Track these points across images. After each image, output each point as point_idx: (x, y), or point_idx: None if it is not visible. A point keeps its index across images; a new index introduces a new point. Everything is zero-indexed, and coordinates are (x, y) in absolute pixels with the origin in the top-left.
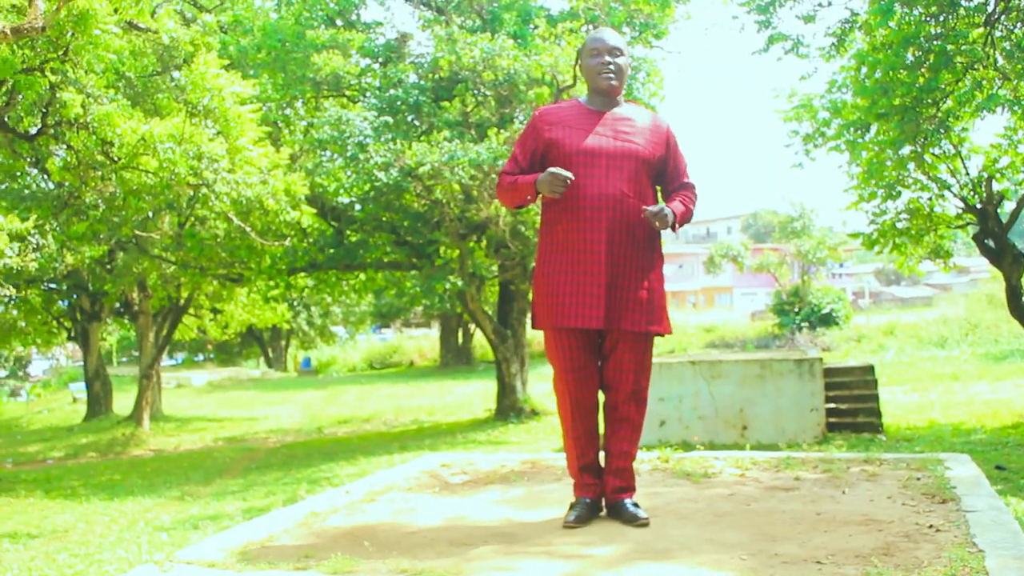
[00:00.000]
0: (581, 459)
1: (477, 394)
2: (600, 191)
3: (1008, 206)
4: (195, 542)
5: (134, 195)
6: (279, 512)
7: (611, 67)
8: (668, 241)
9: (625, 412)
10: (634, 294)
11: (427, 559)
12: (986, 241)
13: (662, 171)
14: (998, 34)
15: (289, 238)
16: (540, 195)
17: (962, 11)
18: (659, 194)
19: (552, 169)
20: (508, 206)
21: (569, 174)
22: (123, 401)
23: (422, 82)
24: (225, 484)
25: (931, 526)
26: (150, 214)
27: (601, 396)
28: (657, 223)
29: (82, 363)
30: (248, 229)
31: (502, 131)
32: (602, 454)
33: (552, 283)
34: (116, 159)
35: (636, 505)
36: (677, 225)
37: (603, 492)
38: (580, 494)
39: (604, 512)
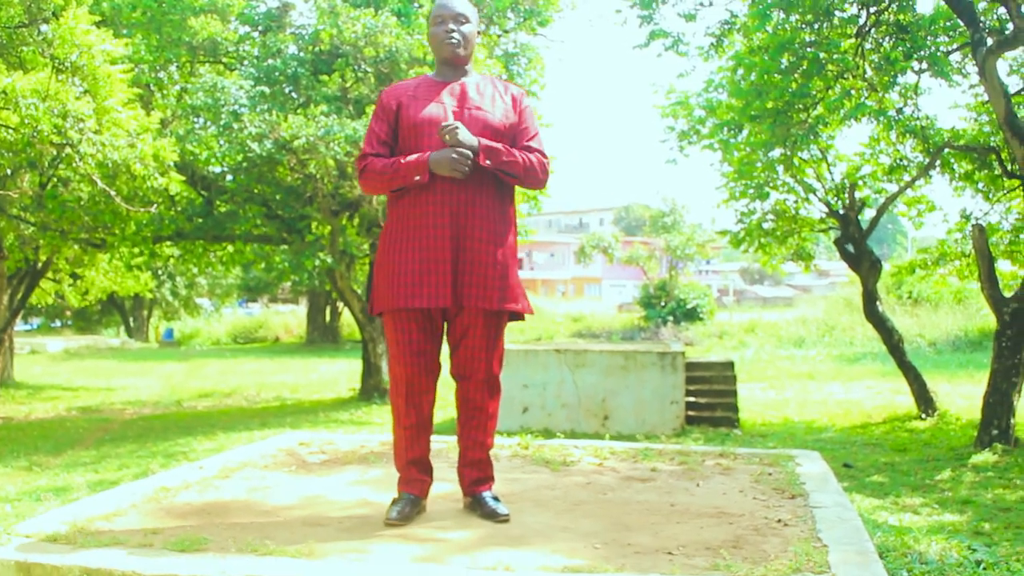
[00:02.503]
0: (409, 451)
1: (342, 373)
2: None
3: (868, 213)
4: (37, 515)
5: None
6: (128, 486)
7: (455, 35)
8: (540, 230)
9: (479, 400)
10: (484, 269)
11: (279, 539)
12: (846, 246)
13: (513, 141)
14: (868, 46)
15: (156, 205)
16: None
17: (836, 21)
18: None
19: (453, 150)
20: (380, 191)
21: (470, 151)
22: None
23: (302, 54)
24: (76, 455)
25: (779, 520)
26: (9, 172)
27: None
28: (446, 136)
29: None
30: (113, 193)
31: None
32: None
33: (394, 262)
34: None
35: (496, 499)
36: (483, 156)
37: (460, 485)
38: (404, 489)
39: (463, 505)
